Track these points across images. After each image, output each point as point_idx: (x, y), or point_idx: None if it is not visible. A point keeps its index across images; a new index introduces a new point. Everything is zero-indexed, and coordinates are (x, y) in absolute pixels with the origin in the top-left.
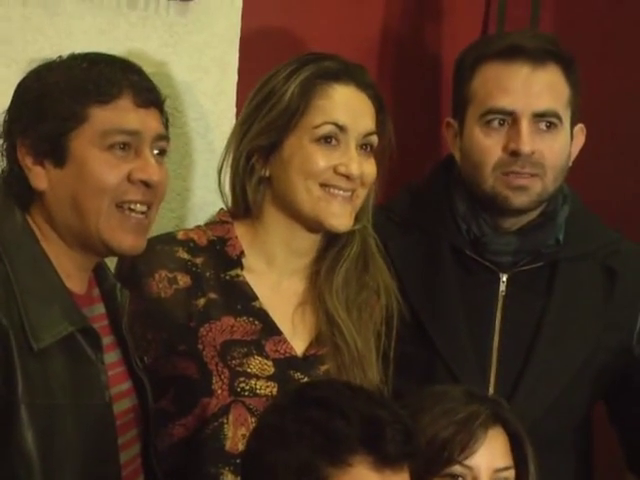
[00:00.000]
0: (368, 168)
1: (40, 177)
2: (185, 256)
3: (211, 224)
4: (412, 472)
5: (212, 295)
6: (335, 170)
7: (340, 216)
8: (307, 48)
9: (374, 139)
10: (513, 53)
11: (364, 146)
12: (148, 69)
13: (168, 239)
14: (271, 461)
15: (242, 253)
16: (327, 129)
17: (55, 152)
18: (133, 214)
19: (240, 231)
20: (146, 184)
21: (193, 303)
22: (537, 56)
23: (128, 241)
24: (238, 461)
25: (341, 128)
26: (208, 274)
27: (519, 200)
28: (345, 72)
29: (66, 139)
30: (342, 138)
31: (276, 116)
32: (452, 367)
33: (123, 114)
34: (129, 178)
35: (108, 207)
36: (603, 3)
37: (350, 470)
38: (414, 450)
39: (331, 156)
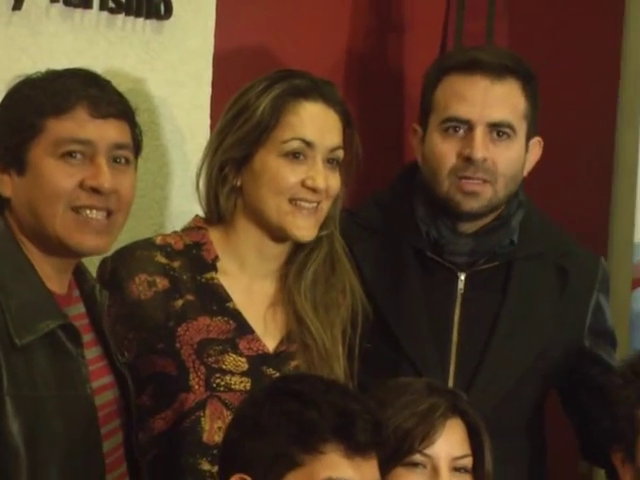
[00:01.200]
0: (333, 181)
1: (7, 185)
2: (163, 260)
3: (187, 230)
4: (379, 460)
5: (189, 297)
6: (302, 183)
7: (304, 228)
8: (277, 64)
9: (340, 153)
10: (473, 66)
11: (330, 160)
12: (126, 85)
13: (147, 245)
14: (248, 450)
15: (216, 257)
16: (295, 145)
17: (16, 161)
18: (91, 216)
19: (214, 236)
20: (97, 190)
21: (171, 304)
22: (495, 70)
23: (87, 241)
24: (215, 452)
25: (308, 144)
26: (185, 277)
27: (469, 205)
28: (314, 89)
29: (25, 149)
30: (309, 153)
31: (248, 130)
32: (415, 362)
33: (77, 124)
34: (81, 185)
35: (64, 211)
36: (552, 19)
37: (323, 457)
38: (382, 440)
39: (298, 170)
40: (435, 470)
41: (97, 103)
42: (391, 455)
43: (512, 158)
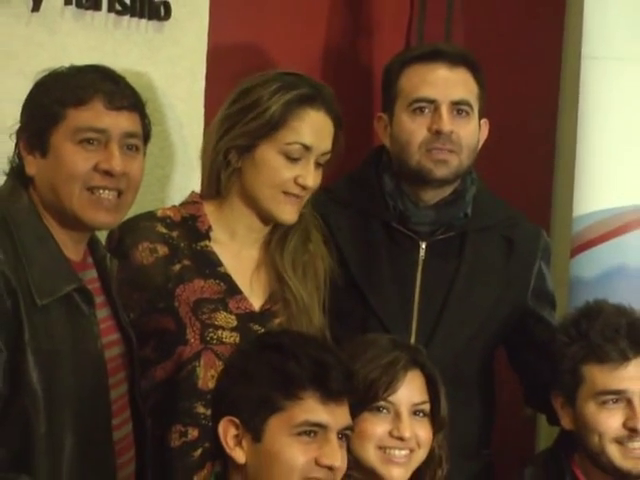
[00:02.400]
0: (317, 180)
1: (31, 165)
2: (163, 230)
3: (184, 204)
4: (350, 406)
5: (186, 262)
6: (295, 180)
7: (289, 214)
8: (263, 59)
9: (327, 157)
10: (434, 55)
11: (319, 162)
12: (130, 78)
13: (149, 217)
14: (237, 395)
15: (210, 228)
16: (295, 147)
17: (40, 144)
18: (104, 196)
19: (209, 209)
20: (109, 173)
21: (170, 268)
22: (453, 59)
23: (99, 217)
24: (208, 397)
25: (307, 148)
26: (182, 245)
27: (440, 172)
28: (319, 98)
29: (48, 134)
30: (305, 155)
31: (257, 125)
32: (382, 319)
33: (94, 115)
34: (96, 167)
35: (80, 191)
36: (502, 22)
37: (301, 403)
38: (352, 388)
39: (294, 168)
40: (397, 414)
41: (112, 96)
42: (359, 402)
43: (472, 131)
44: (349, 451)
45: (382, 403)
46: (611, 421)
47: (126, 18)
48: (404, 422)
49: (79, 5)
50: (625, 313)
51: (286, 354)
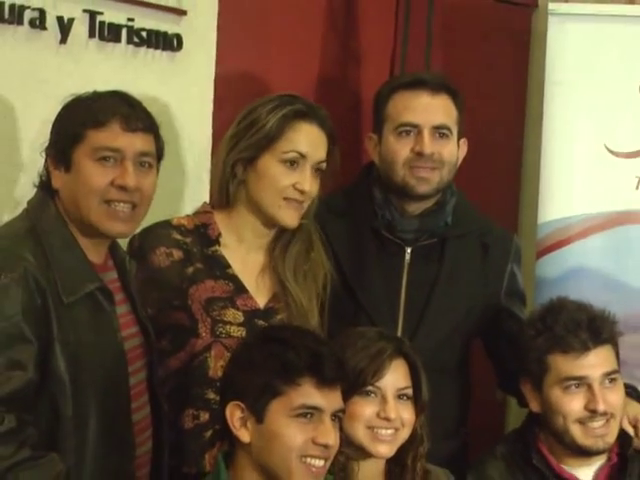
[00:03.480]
0: (315, 187)
1: (57, 178)
2: (178, 237)
3: (197, 213)
4: (342, 391)
5: (198, 265)
6: (294, 186)
7: (291, 218)
8: (263, 85)
9: (324, 165)
10: (417, 84)
11: (316, 170)
12: (147, 102)
13: (165, 225)
14: (242, 382)
15: (219, 234)
16: (292, 155)
17: (65, 161)
18: (119, 208)
19: (218, 218)
20: (124, 188)
21: (184, 271)
22: (435, 86)
23: (116, 228)
24: (218, 384)
25: (302, 155)
26: (195, 250)
27: (422, 188)
28: (311, 114)
29: (71, 152)
30: (302, 163)
31: (258, 138)
32: (371, 316)
33: (111, 136)
34: (112, 183)
35: (98, 204)
36: (475, 51)
37: (299, 388)
38: (344, 375)
39: (292, 175)
40: (384, 398)
41: (128, 119)
42: (349, 387)
43: (451, 151)
44: (341, 430)
45: (370, 388)
46: (574, 404)
47: (143, 49)
48: (390, 405)
49: (102, 38)
50: (585, 309)
51: (286, 345)
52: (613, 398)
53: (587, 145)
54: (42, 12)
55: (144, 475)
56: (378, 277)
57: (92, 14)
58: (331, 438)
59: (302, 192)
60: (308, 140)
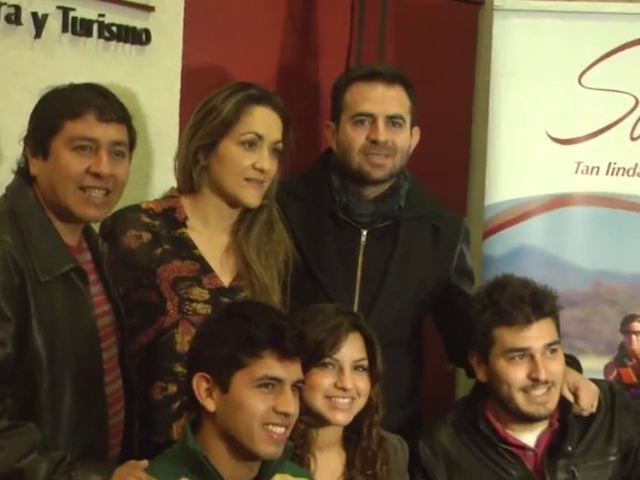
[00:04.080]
0: (273, 166)
1: (35, 166)
2: (147, 220)
3: (165, 198)
4: (302, 363)
5: (166, 246)
6: (253, 166)
7: (253, 197)
8: (228, 77)
9: (280, 146)
10: (373, 76)
11: (274, 150)
12: (117, 93)
13: (135, 209)
14: (208, 355)
15: (186, 217)
16: (250, 137)
17: (42, 149)
18: (93, 194)
19: (185, 202)
20: (98, 175)
21: (153, 252)
22: (389, 79)
23: (89, 212)
24: (185, 358)
25: (259, 136)
26: (163, 232)
27: (377, 174)
28: (265, 98)
29: (49, 141)
30: (259, 144)
31: (216, 125)
32: (329, 294)
33: (87, 126)
34: (88, 170)
35: (73, 190)
36: (426, 44)
37: (261, 360)
38: (304, 348)
39: (251, 156)
40: (341, 369)
41: (102, 110)
42: (308, 359)
43: (404, 138)
44: (301, 400)
45: (328, 360)
46: (518, 373)
47: (113, 43)
48: (346, 375)
49: (74, 32)
50: (528, 285)
51: (249, 320)
52: (554, 367)
53: (530, 132)
54: (17, 8)
55: (116, 444)
56: (335, 257)
57: (65, 10)
58: (291, 407)
59: (262, 171)
60: (263, 122)
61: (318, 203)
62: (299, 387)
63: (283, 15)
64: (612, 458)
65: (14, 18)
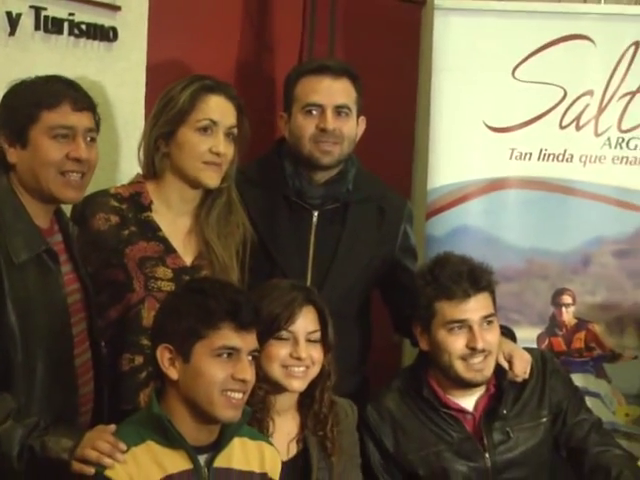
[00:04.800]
0: (229, 149)
1: (13, 155)
2: (115, 204)
3: (131, 183)
4: (258, 334)
5: (132, 228)
6: (210, 150)
7: (212, 178)
8: (189, 71)
9: (235, 131)
10: (321, 69)
11: (228, 134)
12: (87, 86)
13: (104, 193)
14: (170, 327)
15: (151, 202)
16: (205, 123)
17: (20, 139)
18: (72, 178)
19: (150, 187)
20: (78, 160)
21: (120, 233)
22: (336, 72)
23: (70, 195)
24: (150, 332)
25: (214, 122)
26: (130, 215)
27: (326, 160)
28: (218, 87)
29: (27, 130)
30: (214, 129)
31: (174, 114)
32: (284, 271)
33: (63, 116)
34: (67, 156)
35: (54, 175)
36: (373, 42)
37: (219, 332)
38: (258, 320)
39: (207, 141)
40: (295, 340)
41: (76, 100)
42: (266, 332)
43: (351, 127)
44: (260, 369)
45: (284, 332)
46: (457, 343)
47: (83, 40)
48: (301, 346)
49: (46, 30)
50: (466, 261)
51: (207, 295)
52: (490, 337)
53: (468, 122)
54: None
55: (87, 411)
56: (289, 238)
57: (37, 9)
58: (248, 374)
59: (218, 154)
60: (217, 109)
61: (273, 187)
62: (255, 356)
63: (241, 14)
64: (543, 420)
65: None
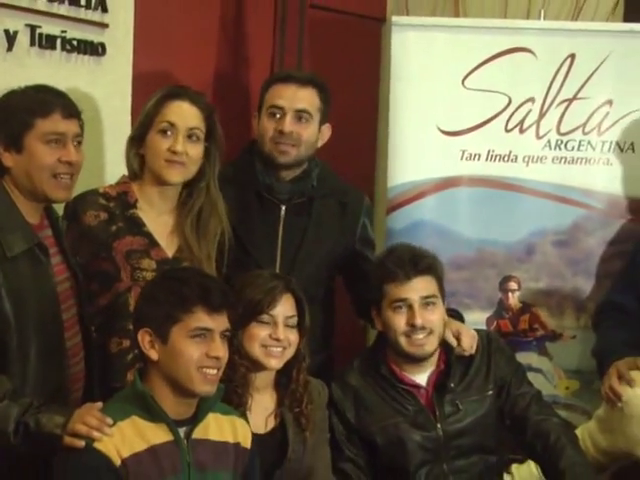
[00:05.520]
0: (192, 150)
1: (8, 159)
2: (104, 202)
3: (118, 183)
4: (232, 318)
5: (120, 224)
6: (170, 149)
7: (174, 175)
8: (171, 82)
9: (197, 132)
10: (288, 78)
11: (190, 136)
12: (77, 97)
13: (94, 192)
14: (149, 313)
15: (136, 200)
16: (164, 125)
17: (15, 144)
18: (63, 180)
19: (135, 187)
20: (69, 163)
21: (109, 229)
22: (302, 81)
23: (62, 195)
24: None
25: (172, 124)
26: (117, 212)
27: (283, 159)
28: (183, 93)
29: (22, 137)
30: (174, 131)
31: (143, 118)
32: (256, 260)
33: (55, 123)
34: (59, 160)
35: (48, 177)
36: (338, 58)
37: (193, 315)
38: (230, 302)
39: (167, 141)
40: (275, 323)
41: (65, 109)
42: (248, 315)
43: (311, 132)
44: (241, 348)
45: (265, 315)
46: (399, 320)
47: (74, 55)
48: (280, 328)
49: (41, 46)
50: (411, 249)
51: (181, 282)
52: (430, 316)
53: (423, 126)
54: None
55: (78, 388)
56: (260, 229)
57: (32, 27)
58: (220, 351)
59: (176, 152)
60: (177, 112)
61: (245, 185)
62: (227, 335)
63: (218, 31)
64: (489, 393)
65: None
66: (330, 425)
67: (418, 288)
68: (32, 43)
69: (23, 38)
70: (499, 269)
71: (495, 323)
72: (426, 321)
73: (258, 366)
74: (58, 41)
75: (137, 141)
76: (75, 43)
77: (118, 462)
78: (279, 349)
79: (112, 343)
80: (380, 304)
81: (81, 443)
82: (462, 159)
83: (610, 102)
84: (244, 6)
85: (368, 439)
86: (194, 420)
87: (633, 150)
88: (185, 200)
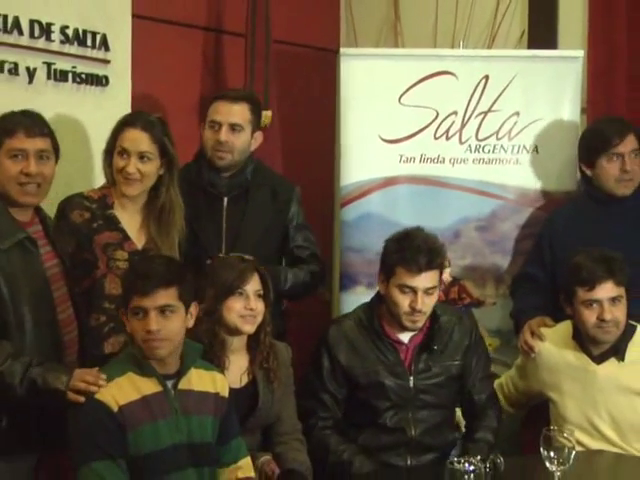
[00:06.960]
0: (144, 168)
1: None
2: (87, 203)
3: (100, 188)
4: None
5: (100, 222)
6: (122, 169)
7: (127, 190)
8: (162, 111)
9: (147, 154)
10: (224, 96)
11: (142, 157)
12: (87, 120)
13: (79, 195)
14: (123, 298)
15: (113, 202)
16: (119, 149)
17: None
18: (27, 188)
19: (112, 191)
20: (29, 174)
21: (91, 225)
22: (234, 98)
23: (28, 200)
24: (110, 298)
25: (125, 149)
26: (98, 212)
27: (220, 163)
28: (136, 120)
29: None
30: (127, 154)
31: (108, 140)
32: (204, 243)
33: (18, 141)
34: (21, 172)
35: (14, 186)
36: (300, 84)
37: (133, 298)
38: (159, 284)
39: (122, 162)
40: (247, 296)
41: (28, 129)
42: (225, 292)
43: (243, 141)
44: (221, 317)
45: (239, 290)
46: (405, 302)
47: (83, 86)
48: (252, 300)
49: (55, 79)
50: (428, 242)
51: (135, 269)
52: (428, 301)
53: (368, 135)
54: (16, 64)
55: (73, 352)
56: (207, 218)
57: (49, 64)
58: (152, 325)
59: (129, 173)
60: (129, 139)
61: (194, 183)
62: (163, 311)
63: (201, 63)
64: (456, 363)
65: (14, 70)
66: (320, 362)
67: (426, 281)
68: (48, 77)
69: (41, 73)
70: None
71: None
72: (424, 306)
73: (234, 331)
74: (70, 75)
75: (109, 159)
76: (84, 76)
77: (116, 409)
78: (252, 316)
79: (92, 319)
80: (389, 278)
81: (82, 399)
82: (400, 162)
83: (518, 113)
84: (221, 43)
85: (352, 379)
86: (179, 374)
87: (537, 151)
88: (151, 201)
